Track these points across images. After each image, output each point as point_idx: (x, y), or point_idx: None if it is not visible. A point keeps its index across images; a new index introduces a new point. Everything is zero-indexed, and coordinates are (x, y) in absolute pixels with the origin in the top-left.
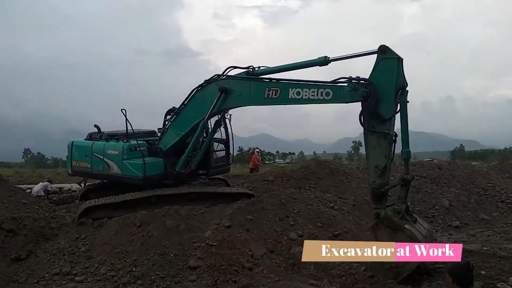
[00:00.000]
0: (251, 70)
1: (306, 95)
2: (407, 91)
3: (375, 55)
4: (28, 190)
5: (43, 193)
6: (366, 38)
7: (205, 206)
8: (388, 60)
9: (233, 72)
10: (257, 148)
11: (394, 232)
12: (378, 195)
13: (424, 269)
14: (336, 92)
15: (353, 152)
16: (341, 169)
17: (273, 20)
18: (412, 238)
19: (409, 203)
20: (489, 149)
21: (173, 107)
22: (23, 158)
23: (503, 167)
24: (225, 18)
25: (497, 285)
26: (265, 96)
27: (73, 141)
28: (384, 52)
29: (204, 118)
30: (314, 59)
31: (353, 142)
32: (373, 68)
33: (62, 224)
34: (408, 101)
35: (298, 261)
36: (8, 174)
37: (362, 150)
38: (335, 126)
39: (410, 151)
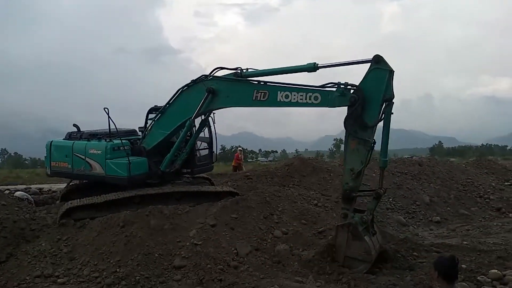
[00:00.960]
0: (239, 71)
1: (294, 99)
2: (393, 103)
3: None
4: (7, 191)
5: (26, 197)
6: (346, 37)
7: (189, 205)
8: (380, 71)
9: (221, 73)
10: (239, 146)
11: (354, 239)
12: (348, 197)
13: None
14: (325, 96)
15: (334, 149)
16: (324, 166)
17: (254, 18)
18: (367, 252)
19: (391, 199)
20: (467, 146)
21: (155, 106)
22: None
23: (481, 163)
24: (206, 15)
25: (478, 278)
26: (253, 98)
27: (51, 141)
28: (378, 62)
29: (191, 117)
30: (303, 65)
31: (334, 140)
32: (364, 76)
33: (43, 225)
34: (392, 113)
35: (283, 258)
36: None
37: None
38: (316, 124)
39: (387, 160)
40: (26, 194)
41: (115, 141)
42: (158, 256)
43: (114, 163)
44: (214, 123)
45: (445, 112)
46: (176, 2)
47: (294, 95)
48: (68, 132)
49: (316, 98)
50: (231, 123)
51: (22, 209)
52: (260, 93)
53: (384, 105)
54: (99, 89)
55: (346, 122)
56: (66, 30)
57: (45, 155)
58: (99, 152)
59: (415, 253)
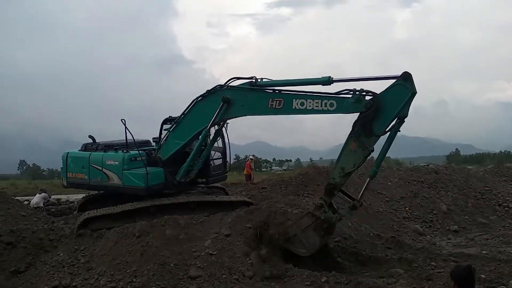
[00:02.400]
0: (253, 80)
1: (310, 106)
2: (404, 122)
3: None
4: (26, 202)
5: (42, 205)
6: (357, 44)
7: (204, 215)
8: (405, 89)
9: (236, 83)
10: (251, 155)
11: (313, 230)
12: (330, 191)
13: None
14: (340, 103)
15: None
16: None
17: (266, 28)
18: (313, 246)
19: (407, 208)
20: (484, 153)
21: (169, 116)
22: (18, 169)
23: (499, 170)
24: (219, 26)
25: None
26: (269, 106)
27: (68, 152)
28: (405, 80)
29: (207, 127)
30: (318, 78)
31: None
32: (388, 87)
33: (61, 235)
34: (399, 131)
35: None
36: (4, 186)
37: None
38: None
39: (377, 171)
40: (42, 195)
41: (132, 152)
42: (174, 266)
43: (131, 174)
44: (227, 132)
45: (461, 118)
46: (189, 12)
47: (310, 102)
48: (84, 144)
49: (332, 104)
50: (245, 133)
51: (41, 219)
52: (275, 101)
53: (395, 121)
54: (112, 98)
55: (355, 124)
56: (79, 40)
57: (61, 166)
58: (116, 163)
59: (433, 263)
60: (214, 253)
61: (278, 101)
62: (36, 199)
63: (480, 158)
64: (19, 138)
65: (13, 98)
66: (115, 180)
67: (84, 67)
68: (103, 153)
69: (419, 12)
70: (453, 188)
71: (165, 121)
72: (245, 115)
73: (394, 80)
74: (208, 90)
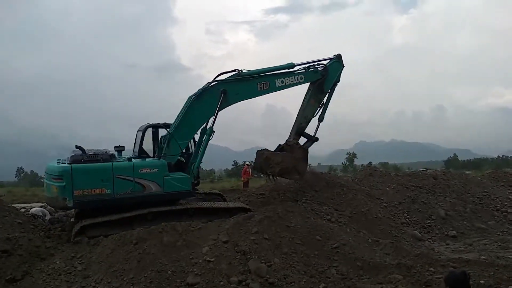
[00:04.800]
0: (238, 72)
1: (288, 82)
2: (336, 85)
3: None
4: (22, 210)
5: (41, 214)
6: (356, 49)
7: (202, 221)
8: (339, 64)
9: (223, 76)
10: (248, 161)
11: (303, 160)
12: (300, 132)
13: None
14: (306, 74)
15: (347, 163)
16: (337, 181)
17: (264, 35)
18: (303, 173)
19: (405, 214)
20: (482, 158)
21: (153, 123)
22: (16, 177)
23: (497, 175)
24: (217, 33)
25: None
26: (258, 89)
27: (71, 165)
28: (339, 58)
29: (208, 120)
30: (283, 64)
31: (347, 154)
32: (329, 63)
33: (57, 243)
34: (334, 91)
35: None
36: (1, 193)
37: (357, 161)
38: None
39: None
40: (42, 209)
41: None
42: (171, 273)
43: (174, 179)
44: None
45: (459, 123)
46: (189, 19)
47: (287, 79)
48: (72, 155)
49: (301, 78)
50: (242, 138)
51: (37, 227)
52: (262, 84)
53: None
54: (110, 106)
55: (310, 87)
56: (78, 47)
57: (59, 184)
58: (154, 170)
59: (431, 269)
60: (212, 260)
61: (264, 83)
62: (37, 209)
63: (478, 163)
64: (17, 145)
65: (12, 104)
66: (153, 188)
67: (83, 74)
68: (131, 162)
69: (416, 18)
70: (451, 193)
71: (146, 129)
72: (241, 101)
73: (331, 59)
74: (200, 88)
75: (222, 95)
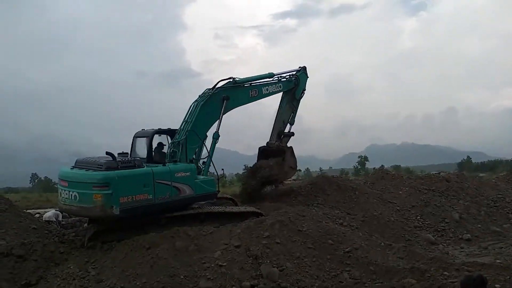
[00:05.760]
0: (233, 79)
1: (271, 90)
2: (304, 94)
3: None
4: (37, 215)
5: (54, 219)
6: (364, 54)
7: (213, 226)
8: (305, 75)
9: (220, 83)
10: None
11: (291, 155)
12: (279, 135)
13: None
14: (283, 83)
15: (359, 167)
16: (349, 184)
17: (272, 39)
18: (295, 164)
19: (418, 217)
20: (496, 160)
21: (159, 129)
22: (30, 183)
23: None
24: (226, 38)
25: None
26: (250, 96)
27: (115, 173)
28: (305, 70)
29: (217, 129)
30: (265, 74)
31: (358, 157)
32: (298, 74)
33: (71, 248)
34: (301, 98)
35: None
36: (16, 199)
37: (369, 165)
38: (338, 141)
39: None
40: (54, 212)
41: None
42: (184, 278)
43: (204, 182)
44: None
45: (471, 125)
46: (198, 25)
47: (270, 87)
48: (106, 162)
49: (280, 86)
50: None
51: (52, 232)
52: (253, 91)
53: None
54: (120, 112)
55: (284, 96)
56: (88, 56)
57: (105, 191)
58: (187, 174)
59: (445, 273)
60: (224, 264)
61: (255, 91)
62: (49, 213)
63: (492, 166)
64: (31, 152)
65: (25, 113)
66: (187, 191)
67: (93, 82)
68: (168, 166)
69: (426, 21)
70: (465, 196)
71: (152, 134)
72: (237, 107)
73: (298, 70)
74: (208, 92)
75: (225, 101)
